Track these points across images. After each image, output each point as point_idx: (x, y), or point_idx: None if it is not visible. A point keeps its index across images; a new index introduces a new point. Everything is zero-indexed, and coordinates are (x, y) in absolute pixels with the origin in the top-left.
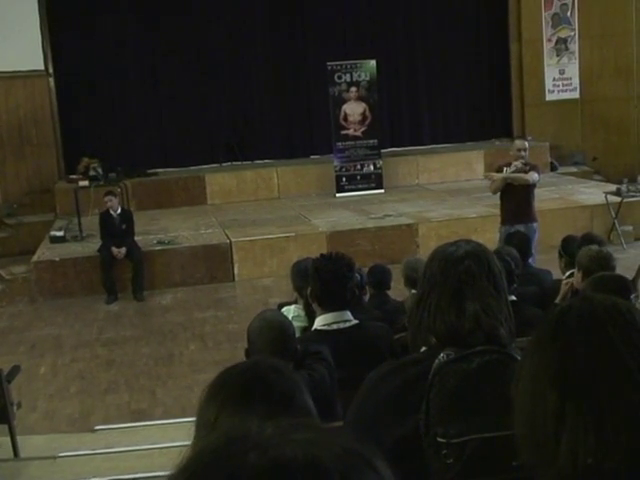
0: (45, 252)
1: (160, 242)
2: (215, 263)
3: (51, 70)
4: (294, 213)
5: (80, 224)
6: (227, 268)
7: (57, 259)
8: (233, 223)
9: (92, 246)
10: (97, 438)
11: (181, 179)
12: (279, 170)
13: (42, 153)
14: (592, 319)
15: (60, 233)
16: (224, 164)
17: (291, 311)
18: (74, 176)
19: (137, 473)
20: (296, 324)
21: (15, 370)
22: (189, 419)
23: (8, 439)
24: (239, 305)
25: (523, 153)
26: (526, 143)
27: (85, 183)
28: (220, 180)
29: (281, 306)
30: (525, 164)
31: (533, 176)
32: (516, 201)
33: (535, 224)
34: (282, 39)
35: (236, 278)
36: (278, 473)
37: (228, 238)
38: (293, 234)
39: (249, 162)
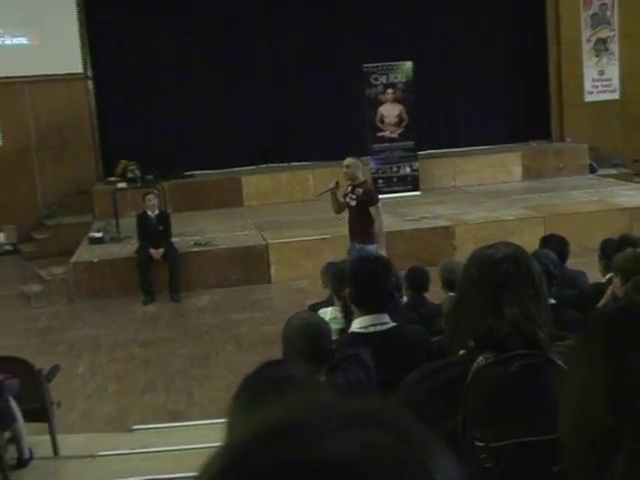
0: (83, 253)
1: (196, 244)
2: (251, 265)
3: (90, 73)
4: (330, 215)
5: (118, 226)
6: (263, 270)
7: (95, 260)
8: (269, 225)
9: (130, 247)
10: (134, 438)
11: (217, 181)
12: (315, 172)
13: (80, 155)
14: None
15: (98, 234)
16: (260, 166)
17: (328, 313)
18: (112, 178)
19: (174, 473)
20: (333, 326)
21: (55, 369)
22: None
23: (48, 437)
24: (275, 307)
25: (345, 170)
26: (349, 160)
27: (123, 185)
28: (256, 182)
29: (314, 307)
30: (355, 185)
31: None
32: (355, 220)
33: (371, 246)
34: (318, 41)
35: (272, 280)
36: (321, 471)
37: (264, 240)
38: (329, 236)
39: (285, 164)
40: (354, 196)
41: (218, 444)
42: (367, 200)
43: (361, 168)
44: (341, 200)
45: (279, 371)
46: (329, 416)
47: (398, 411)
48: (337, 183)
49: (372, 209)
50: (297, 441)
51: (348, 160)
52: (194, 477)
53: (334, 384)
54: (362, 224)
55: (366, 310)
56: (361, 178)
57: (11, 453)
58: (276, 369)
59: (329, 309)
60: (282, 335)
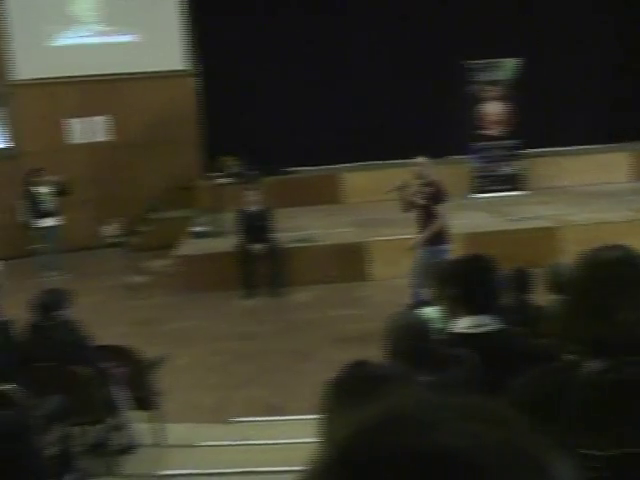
0: (186, 247)
1: (297, 240)
2: (350, 262)
3: (195, 70)
4: None
5: (220, 220)
6: (362, 267)
7: (197, 254)
8: (368, 222)
9: (231, 242)
10: (233, 430)
11: (318, 177)
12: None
13: (184, 151)
14: None
15: (201, 229)
16: (360, 163)
17: (429, 313)
18: (214, 173)
19: (272, 466)
20: (434, 326)
21: (160, 360)
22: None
23: (151, 426)
24: (373, 305)
25: (415, 168)
26: (419, 159)
27: (225, 180)
28: (356, 179)
29: (414, 306)
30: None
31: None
32: (423, 220)
33: (445, 246)
34: (418, 37)
35: (371, 277)
36: (434, 462)
37: (364, 237)
38: None
39: (384, 162)
40: (423, 195)
41: (317, 439)
42: (436, 199)
43: (432, 167)
44: (410, 199)
45: (377, 369)
46: (439, 410)
47: (508, 409)
48: (405, 182)
49: (439, 207)
50: (408, 433)
51: (418, 159)
52: (300, 472)
53: (435, 384)
54: (431, 224)
55: (469, 311)
56: (431, 177)
57: (116, 440)
58: (374, 367)
59: (430, 309)
60: (383, 334)
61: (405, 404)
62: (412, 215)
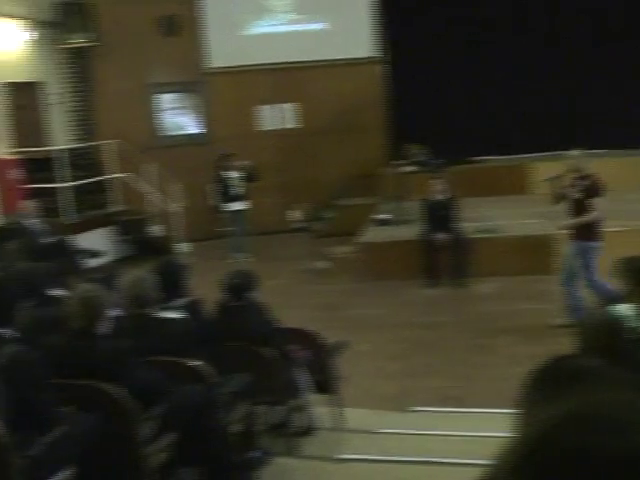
0: (369, 234)
1: (482, 230)
2: (538, 254)
3: (383, 57)
4: (621, 207)
5: (403, 209)
6: (550, 260)
7: (380, 241)
8: (557, 214)
9: (414, 231)
10: (412, 419)
11: (505, 167)
12: (609, 161)
13: (369, 138)
14: None
15: (384, 216)
16: (549, 153)
17: (622, 311)
18: (399, 161)
19: (451, 458)
20: (627, 325)
21: (342, 345)
22: (505, 410)
23: (332, 410)
24: (558, 299)
25: (570, 161)
26: (574, 151)
27: (410, 169)
28: (545, 169)
29: (608, 303)
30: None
31: None
32: (576, 215)
33: (595, 244)
34: (612, 24)
35: (557, 271)
36: (628, 463)
37: (552, 230)
38: (624, 228)
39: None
40: (578, 188)
41: (502, 434)
42: (591, 193)
43: (588, 160)
44: (561, 191)
45: (581, 365)
46: (636, 410)
47: None
48: (559, 174)
49: (594, 202)
50: (603, 431)
51: (573, 152)
52: (484, 465)
53: (631, 384)
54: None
55: None
56: (587, 170)
57: (297, 421)
58: (578, 362)
59: (623, 306)
60: (576, 330)
61: (600, 402)
62: (563, 208)
